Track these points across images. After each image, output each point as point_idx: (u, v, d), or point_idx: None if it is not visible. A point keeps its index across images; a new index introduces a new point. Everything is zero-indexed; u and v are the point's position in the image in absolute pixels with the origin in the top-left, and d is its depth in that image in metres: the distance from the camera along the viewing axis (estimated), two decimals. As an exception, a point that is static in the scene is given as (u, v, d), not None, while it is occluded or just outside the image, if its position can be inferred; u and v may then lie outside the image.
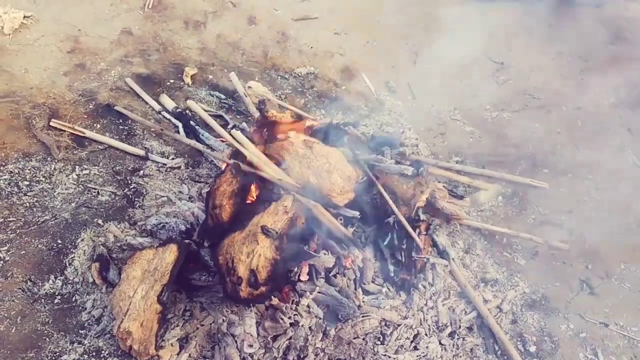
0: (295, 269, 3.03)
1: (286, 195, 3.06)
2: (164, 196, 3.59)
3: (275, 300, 2.95)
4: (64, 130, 3.87)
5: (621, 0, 5.95)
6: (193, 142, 3.79)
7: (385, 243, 3.29)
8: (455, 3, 5.81)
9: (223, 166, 3.52)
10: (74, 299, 3.08)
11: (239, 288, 2.72)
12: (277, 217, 2.91)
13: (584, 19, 5.70)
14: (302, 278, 3.04)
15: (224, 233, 2.99)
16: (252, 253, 2.76)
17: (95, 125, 4.00)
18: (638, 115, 4.79)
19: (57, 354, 2.85)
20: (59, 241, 3.31)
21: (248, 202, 3.20)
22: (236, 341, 2.87)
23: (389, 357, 2.98)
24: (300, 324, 2.93)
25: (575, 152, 4.45)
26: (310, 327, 2.97)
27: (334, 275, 3.14)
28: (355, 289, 3.11)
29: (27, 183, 3.55)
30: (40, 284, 3.12)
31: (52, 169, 3.66)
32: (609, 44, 5.37)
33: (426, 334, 3.13)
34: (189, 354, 2.85)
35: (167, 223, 3.38)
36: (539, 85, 5.04)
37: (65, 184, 3.59)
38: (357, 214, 3.13)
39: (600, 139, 4.56)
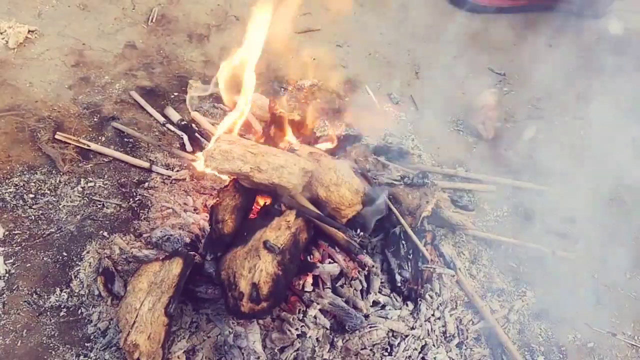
0: (300, 280, 3.02)
1: (289, 211, 3.06)
2: (169, 208, 3.59)
3: (281, 312, 2.95)
4: (69, 143, 3.87)
5: (626, 13, 5.99)
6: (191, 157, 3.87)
7: (392, 253, 3.28)
8: (454, 16, 5.87)
9: (228, 179, 3.52)
10: (79, 311, 3.07)
11: (240, 303, 2.71)
12: (279, 232, 2.90)
13: (584, 31, 5.73)
14: (306, 289, 3.03)
15: (226, 247, 2.98)
16: (253, 268, 2.74)
17: (100, 137, 4.01)
18: (641, 125, 4.82)
19: (63, 367, 2.84)
20: (65, 254, 3.31)
21: (251, 216, 3.19)
22: (243, 353, 2.86)
23: (397, 368, 2.97)
24: (307, 335, 2.92)
25: (578, 163, 4.45)
26: (317, 338, 2.96)
27: (341, 286, 3.14)
28: (363, 299, 3.10)
29: (32, 196, 3.55)
30: (45, 296, 3.11)
31: (57, 181, 3.66)
32: (610, 55, 5.39)
33: (434, 345, 3.11)
34: (196, 366, 2.85)
35: (171, 235, 3.37)
36: (541, 96, 5.06)
37: (70, 197, 3.59)
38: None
39: (603, 150, 4.57)
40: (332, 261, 3.10)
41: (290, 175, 2.95)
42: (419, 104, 4.86)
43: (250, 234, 2.95)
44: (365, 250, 3.24)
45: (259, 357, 2.82)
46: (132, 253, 3.29)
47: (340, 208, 3.10)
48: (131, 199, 3.65)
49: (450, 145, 4.52)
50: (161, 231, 3.40)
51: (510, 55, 5.46)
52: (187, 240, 3.34)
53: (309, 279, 3.05)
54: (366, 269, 3.16)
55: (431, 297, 3.27)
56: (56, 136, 3.89)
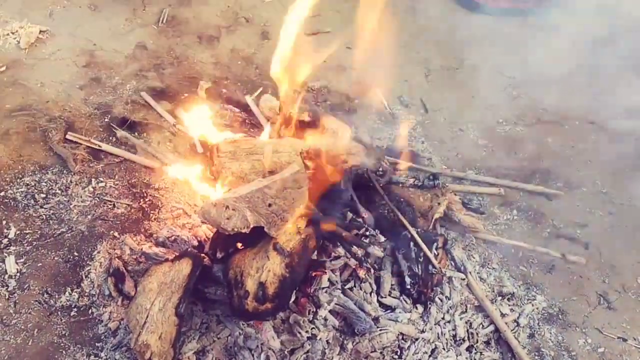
0: (315, 280, 3.02)
1: (300, 218, 3.06)
2: (179, 208, 3.60)
3: (291, 314, 2.95)
4: (80, 143, 3.89)
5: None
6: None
7: (402, 255, 3.28)
8: (466, 19, 5.86)
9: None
10: (90, 311, 3.08)
11: (244, 302, 2.71)
12: (290, 237, 2.91)
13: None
14: (323, 285, 3.03)
15: (235, 248, 2.98)
16: (261, 268, 2.75)
17: (110, 138, 4.02)
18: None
19: (74, 366, 2.85)
20: (75, 253, 3.31)
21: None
22: (253, 355, 2.86)
23: (407, 371, 2.96)
24: (317, 338, 2.92)
25: (589, 166, 4.44)
26: (327, 341, 2.95)
27: (350, 289, 3.13)
28: (378, 299, 3.10)
29: (44, 195, 3.57)
30: (56, 296, 3.11)
31: (69, 181, 3.67)
32: (621, 56, 5.37)
33: (444, 348, 3.10)
34: (206, 367, 2.85)
35: (178, 235, 3.38)
36: (552, 99, 5.04)
37: (81, 197, 3.60)
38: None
39: (613, 153, 4.55)
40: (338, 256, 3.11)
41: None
42: (428, 107, 4.85)
43: (259, 237, 2.95)
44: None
45: (269, 359, 2.83)
46: (141, 249, 3.29)
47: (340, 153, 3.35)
48: (142, 200, 3.66)
49: (460, 148, 4.51)
50: (168, 231, 3.41)
51: (519, 57, 5.43)
52: (195, 242, 3.35)
53: (326, 277, 3.04)
54: (374, 272, 3.16)
55: (441, 300, 3.26)
56: (67, 136, 3.90)
